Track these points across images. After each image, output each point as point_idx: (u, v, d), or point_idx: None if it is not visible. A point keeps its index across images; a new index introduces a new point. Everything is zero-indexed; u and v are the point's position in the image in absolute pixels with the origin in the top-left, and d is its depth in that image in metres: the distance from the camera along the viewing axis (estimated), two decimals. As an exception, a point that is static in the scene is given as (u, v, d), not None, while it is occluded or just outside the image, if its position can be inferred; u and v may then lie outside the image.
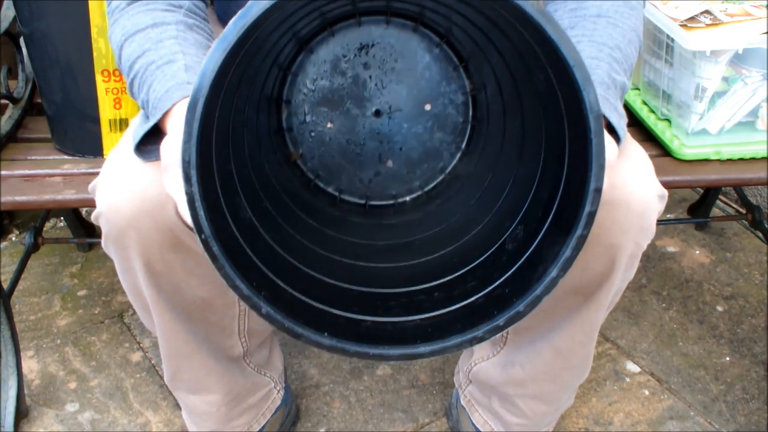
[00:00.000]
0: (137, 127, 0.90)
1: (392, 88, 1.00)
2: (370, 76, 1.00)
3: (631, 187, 0.90)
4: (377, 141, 1.02)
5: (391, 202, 1.05)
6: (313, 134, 1.02)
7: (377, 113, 1.01)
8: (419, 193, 1.05)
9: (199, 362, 1.09)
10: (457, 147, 1.03)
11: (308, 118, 1.01)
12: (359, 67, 0.99)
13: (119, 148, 0.96)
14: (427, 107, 1.01)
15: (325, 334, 0.74)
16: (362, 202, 1.05)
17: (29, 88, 1.42)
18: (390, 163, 1.04)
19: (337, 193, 1.04)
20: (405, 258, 0.94)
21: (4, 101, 1.38)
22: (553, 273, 0.73)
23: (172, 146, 0.81)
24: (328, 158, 1.03)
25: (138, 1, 0.94)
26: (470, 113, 1.02)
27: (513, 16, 0.71)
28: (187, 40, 0.91)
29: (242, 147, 0.90)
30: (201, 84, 0.66)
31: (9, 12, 1.35)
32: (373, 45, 0.99)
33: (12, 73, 1.42)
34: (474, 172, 1.01)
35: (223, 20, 1.15)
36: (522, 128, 0.91)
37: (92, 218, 0.94)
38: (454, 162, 1.03)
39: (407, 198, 1.05)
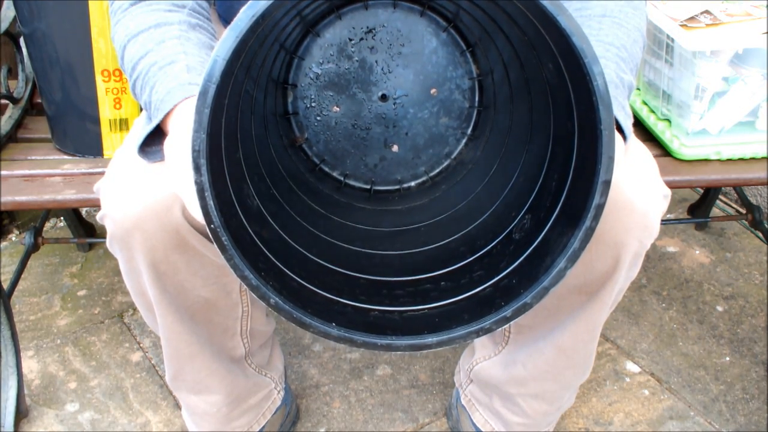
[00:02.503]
0: (140, 129, 0.90)
1: (399, 72, 1.00)
2: (377, 60, 0.99)
3: (635, 187, 0.90)
4: (383, 126, 1.02)
5: (396, 187, 1.05)
6: (319, 118, 1.02)
7: (383, 98, 1.01)
8: (424, 178, 1.05)
9: (201, 363, 1.09)
10: (463, 132, 1.03)
11: (314, 102, 1.01)
12: (366, 51, 0.99)
13: (124, 148, 0.96)
14: (434, 92, 1.01)
15: (333, 324, 0.73)
16: (367, 187, 1.05)
17: (29, 88, 1.42)
18: (395, 148, 1.04)
19: (342, 178, 1.04)
20: (411, 245, 0.94)
21: (4, 101, 1.38)
22: (561, 264, 0.73)
23: (176, 144, 0.81)
24: (334, 142, 1.02)
25: (141, 1, 0.94)
26: (476, 99, 1.02)
27: (523, 4, 0.71)
28: (189, 40, 0.91)
29: (250, 132, 0.90)
30: (212, 72, 0.66)
31: (9, 12, 1.35)
32: (379, 29, 0.98)
33: (12, 73, 1.42)
34: (480, 158, 1.01)
35: (225, 19, 1.15)
36: (530, 116, 0.91)
37: (97, 218, 0.94)
38: (460, 148, 1.03)
39: (412, 183, 1.05)
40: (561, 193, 0.78)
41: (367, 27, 0.98)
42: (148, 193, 0.88)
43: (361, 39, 0.98)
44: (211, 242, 0.94)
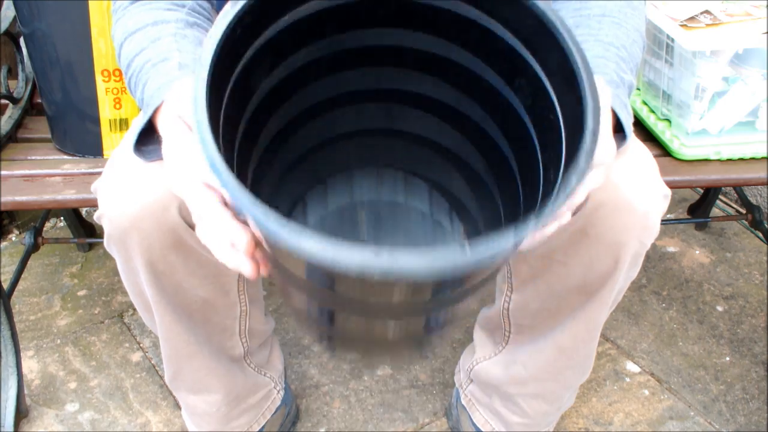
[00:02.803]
0: (134, 127, 0.90)
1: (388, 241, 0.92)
2: (364, 234, 0.93)
3: (635, 186, 0.90)
4: None
5: None
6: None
7: None
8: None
9: (200, 363, 1.09)
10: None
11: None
12: (354, 224, 0.93)
13: (121, 147, 0.96)
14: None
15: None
16: None
17: (29, 88, 1.42)
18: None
19: None
20: None
21: (4, 101, 1.38)
22: (573, 180, 0.62)
23: (171, 144, 0.80)
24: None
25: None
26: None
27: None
28: (185, 38, 0.90)
29: None
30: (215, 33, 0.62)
31: (9, 12, 1.35)
32: (365, 202, 0.93)
33: (12, 73, 1.42)
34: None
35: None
36: (517, 192, 0.82)
37: (95, 218, 0.94)
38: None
39: None
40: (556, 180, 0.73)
41: (353, 201, 0.92)
42: (144, 192, 0.88)
43: (348, 213, 0.92)
44: None
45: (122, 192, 0.90)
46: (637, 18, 0.97)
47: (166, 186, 0.86)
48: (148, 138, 0.88)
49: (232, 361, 1.14)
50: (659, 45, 1.26)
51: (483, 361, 1.20)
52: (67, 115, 1.28)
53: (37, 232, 1.50)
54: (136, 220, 0.89)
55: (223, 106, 0.66)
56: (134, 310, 1.61)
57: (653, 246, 1.77)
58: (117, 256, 0.96)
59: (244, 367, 1.17)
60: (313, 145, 0.85)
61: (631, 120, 0.90)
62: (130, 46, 0.91)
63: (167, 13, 0.92)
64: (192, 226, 0.91)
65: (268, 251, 0.70)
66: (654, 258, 1.76)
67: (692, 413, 1.38)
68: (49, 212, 1.73)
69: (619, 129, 0.88)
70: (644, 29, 0.99)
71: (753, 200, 1.86)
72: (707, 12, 1.23)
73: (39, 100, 1.39)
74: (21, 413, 1.35)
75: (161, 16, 0.92)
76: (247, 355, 1.16)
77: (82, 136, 1.28)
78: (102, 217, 0.92)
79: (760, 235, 1.73)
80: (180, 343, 1.06)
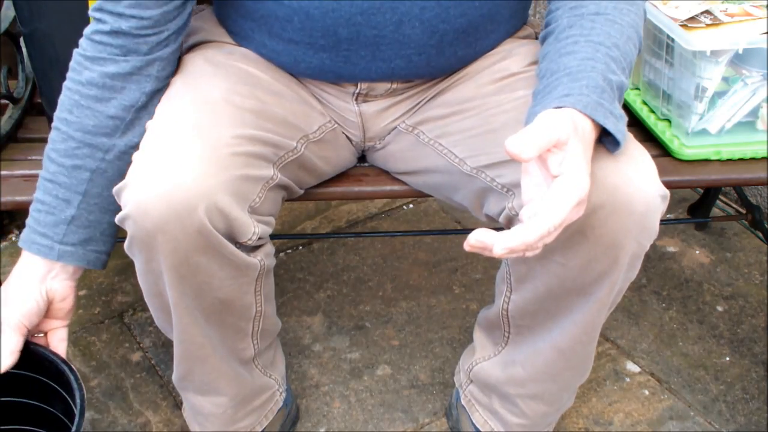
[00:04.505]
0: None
1: None
2: None
3: (633, 188, 0.90)
4: None
5: None
6: None
7: None
8: None
9: (211, 365, 1.09)
10: None
11: None
12: None
13: (144, 151, 0.96)
14: None
15: None
16: None
17: (29, 88, 1.42)
18: None
19: None
20: None
21: (4, 101, 1.38)
22: None
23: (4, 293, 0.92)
24: None
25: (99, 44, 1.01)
26: None
27: None
28: (103, 175, 1.00)
29: None
30: None
31: (9, 12, 1.35)
32: None
33: (12, 73, 1.41)
34: None
35: (223, 22, 1.14)
36: None
37: (116, 221, 0.94)
38: None
39: None
40: None
41: None
42: (170, 194, 0.88)
43: None
44: (233, 244, 0.94)
45: (148, 194, 0.89)
46: (633, 14, 0.96)
47: (191, 186, 0.86)
48: None
49: (242, 364, 1.14)
50: (659, 45, 1.26)
51: (482, 361, 1.19)
52: (67, 115, 1.28)
53: (37, 232, 1.49)
54: (161, 223, 0.89)
55: None
56: (134, 310, 1.62)
57: (653, 246, 1.77)
58: (138, 258, 0.95)
59: (252, 369, 1.17)
60: None
61: (624, 122, 0.89)
62: (57, 135, 1.03)
63: (108, 122, 1.01)
64: (216, 228, 0.91)
65: None
66: (654, 258, 1.76)
67: (692, 413, 1.39)
68: (49, 212, 1.73)
69: (605, 134, 0.88)
70: (642, 26, 0.98)
71: (753, 200, 1.86)
72: (707, 12, 1.23)
73: (39, 100, 1.39)
74: (21, 413, 1.35)
75: (99, 129, 1.01)
76: (256, 357, 1.16)
77: (82, 136, 1.28)
78: (126, 219, 0.91)
79: (760, 235, 1.73)
80: (194, 345, 1.06)
